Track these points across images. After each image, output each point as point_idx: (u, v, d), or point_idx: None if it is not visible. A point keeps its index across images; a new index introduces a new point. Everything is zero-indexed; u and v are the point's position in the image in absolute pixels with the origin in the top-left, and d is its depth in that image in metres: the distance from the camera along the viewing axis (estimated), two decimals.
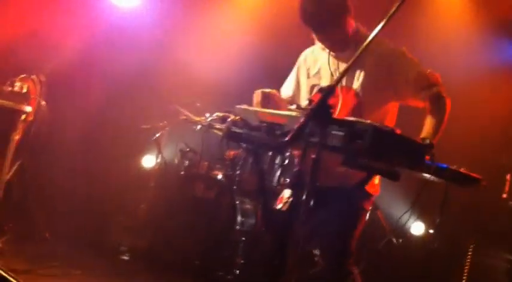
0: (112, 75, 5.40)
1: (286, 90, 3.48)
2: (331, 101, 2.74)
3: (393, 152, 2.63)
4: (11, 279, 2.71)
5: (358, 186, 2.88)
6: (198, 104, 4.87)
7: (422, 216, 4.81)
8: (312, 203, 2.77)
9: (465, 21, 5.18)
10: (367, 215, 3.11)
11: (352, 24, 3.09)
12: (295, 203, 2.82)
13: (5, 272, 2.63)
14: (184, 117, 4.07)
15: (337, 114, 3.00)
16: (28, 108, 3.69)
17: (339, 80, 2.56)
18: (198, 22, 5.55)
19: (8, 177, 3.70)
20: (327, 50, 3.20)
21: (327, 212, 2.89)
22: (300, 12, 3.01)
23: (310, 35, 3.18)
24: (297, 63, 3.42)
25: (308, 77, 3.31)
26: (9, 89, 3.67)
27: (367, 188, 2.95)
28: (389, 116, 3.11)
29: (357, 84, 3.04)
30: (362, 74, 3.02)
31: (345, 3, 3.03)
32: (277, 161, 3.56)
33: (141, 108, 5.41)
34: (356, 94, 3.04)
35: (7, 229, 3.93)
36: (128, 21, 5.55)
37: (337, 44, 3.09)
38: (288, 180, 3.61)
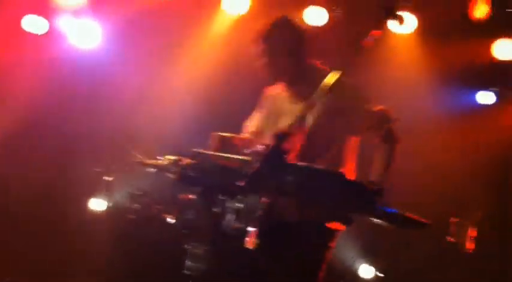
0: (65, 116, 5.36)
1: (250, 126, 3.51)
2: (287, 144, 2.80)
3: (344, 197, 2.68)
4: None
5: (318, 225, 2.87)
6: (151, 147, 4.85)
7: (371, 259, 4.87)
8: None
9: (417, 63, 5.40)
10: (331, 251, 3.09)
11: (309, 60, 3.17)
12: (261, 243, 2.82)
13: None
14: (138, 160, 4.04)
15: (293, 155, 3.03)
16: None
17: (294, 124, 2.62)
18: (155, 63, 5.59)
19: None
20: (285, 87, 3.26)
21: (291, 249, 2.90)
22: (261, 33, 3.06)
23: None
24: (262, 98, 3.47)
25: (269, 115, 3.35)
26: None
27: (331, 224, 2.95)
28: (349, 150, 3.14)
29: (313, 123, 3.09)
30: (317, 111, 3.07)
31: (303, 39, 3.12)
32: (231, 205, 3.56)
33: (93, 152, 5.35)
34: (311, 133, 3.09)
35: None
36: (86, 62, 5.55)
37: (293, 78, 3.15)
38: (242, 225, 3.60)
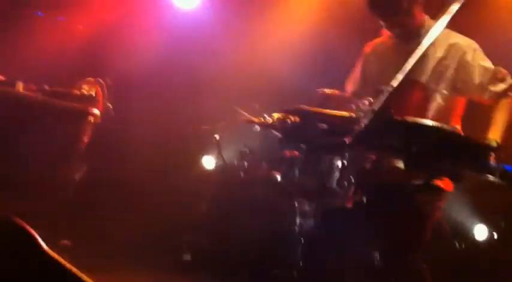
0: (172, 77, 5.54)
1: (352, 85, 3.47)
2: (397, 97, 2.74)
3: (456, 154, 2.60)
4: (77, 274, 2.82)
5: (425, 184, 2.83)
6: (257, 105, 4.92)
7: (485, 219, 4.68)
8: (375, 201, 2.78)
9: None
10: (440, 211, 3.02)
11: (421, 14, 3.07)
12: (360, 202, 2.83)
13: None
14: (244, 118, 4.12)
15: (403, 110, 2.97)
16: (96, 111, 3.84)
17: (398, 81, 2.56)
18: (253, 23, 5.59)
19: (77, 178, 3.86)
20: (393, 41, 3.18)
21: (392, 210, 2.88)
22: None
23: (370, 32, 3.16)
24: (362, 56, 3.40)
25: (374, 69, 3.29)
26: (78, 92, 3.83)
27: (439, 183, 2.87)
28: (456, 110, 3.08)
29: (424, 77, 3.02)
30: (430, 66, 3.00)
31: None
32: (336, 162, 3.56)
33: (201, 109, 5.51)
34: (422, 88, 3.02)
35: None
36: (188, 23, 5.68)
37: (405, 33, 3.08)
38: (346, 182, 3.60)
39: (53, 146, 3.77)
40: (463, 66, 2.97)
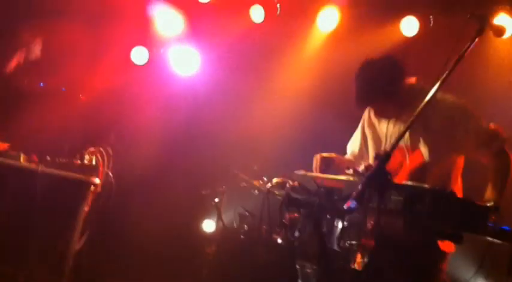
0: (172, 143, 5.63)
1: (353, 147, 3.55)
2: (394, 163, 2.80)
3: (454, 215, 2.63)
4: None
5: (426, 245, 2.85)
6: (255, 167, 4.99)
7: (488, 279, 4.64)
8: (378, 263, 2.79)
9: None
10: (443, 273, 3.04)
11: (405, 84, 3.15)
12: (368, 263, 2.84)
13: None
14: (244, 184, 4.18)
15: (401, 174, 3.03)
16: (97, 180, 3.89)
17: (394, 147, 2.63)
18: (251, 88, 5.74)
19: (78, 247, 3.87)
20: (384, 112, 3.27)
21: (395, 271, 2.88)
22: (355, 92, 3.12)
23: None
24: (363, 119, 3.49)
25: (373, 133, 3.37)
26: (79, 162, 3.89)
27: (441, 245, 2.90)
28: (454, 170, 3.11)
29: (420, 143, 3.08)
30: (425, 132, 3.06)
31: (395, 75, 3.10)
32: (337, 223, 3.59)
33: (200, 174, 5.57)
34: (420, 154, 3.07)
35: None
36: (187, 89, 5.83)
37: (393, 110, 3.15)
38: (347, 243, 3.62)
39: (55, 216, 3.80)
40: (456, 127, 3.00)
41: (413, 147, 3.11)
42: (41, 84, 4.57)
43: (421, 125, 3.03)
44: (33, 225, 3.78)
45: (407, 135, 3.03)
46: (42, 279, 3.77)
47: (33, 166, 3.74)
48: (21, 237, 3.79)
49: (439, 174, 3.01)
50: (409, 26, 5.47)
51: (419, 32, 5.44)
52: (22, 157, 3.71)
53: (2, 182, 3.68)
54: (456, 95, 3.13)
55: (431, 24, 5.43)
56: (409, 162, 3.08)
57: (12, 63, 3.81)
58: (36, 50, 3.86)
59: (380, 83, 3.08)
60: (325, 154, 3.46)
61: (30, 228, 3.77)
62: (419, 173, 2.99)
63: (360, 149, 3.43)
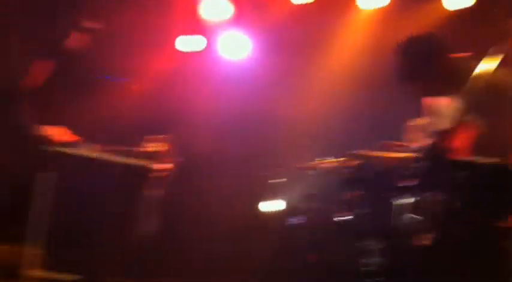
0: (228, 126, 5.75)
1: (410, 132, 3.56)
2: (456, 139, 2.80)
3: None
4: None
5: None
6: (312, 147, 5.06)
7: None
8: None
9: None
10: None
11: (452, 60, 3.13)
12: (433, 240, 2.86)
13: None
14: (304, 165, 4.25)
15: (464, 150, 3.02)
16: (161, 166, 4.02)
17: (453, 125, 2.63)
18: (304, 69, 5.78)
19: (150, 232, 4.02)
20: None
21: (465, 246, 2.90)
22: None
23: None
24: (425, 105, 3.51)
25: (432, 113, 3.38)
26: (142, 149, 4.03)
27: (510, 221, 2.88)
28: None
29: (478, 117, 3.07)
30: (481, 106, 3.05)
31: (441, 50, 3.08)
32: (401, 201, 3.61)
33: (259, 156, 5.67)
34: (481, 128, 3.06)
35: None
36: (241, 73, 5.90)
37: (442, 87, 3.14)
38: (413, 220, 3.64)
39: (123, 202, 3.96)
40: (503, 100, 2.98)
41: (473, 122, 3.09)
42: (107, 77, 4.72)
43: (475, 99, 3.03)
44: (104, 212, 3.95)
45: (464, 110, 3.01)
46: (113, 264, 3.92)
47: (98, 155, 3.89)
48: (93, 224, 3.96)
49: (502, 146, 2.98)
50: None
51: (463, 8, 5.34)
52: (87, 147, 3.87)
53: (73, 172, 3.85)
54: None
55: None
56: (470, 138, 3.08)
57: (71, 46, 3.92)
58: (95, 41, 3.98)
59: (427, 59, 3.08)
60: (387, 141, 3.49)
61: (101, 215, 3.93)
62: (482, 147, 2.98)
63: (417, 132, 3.45)
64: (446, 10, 5.40)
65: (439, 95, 3.25)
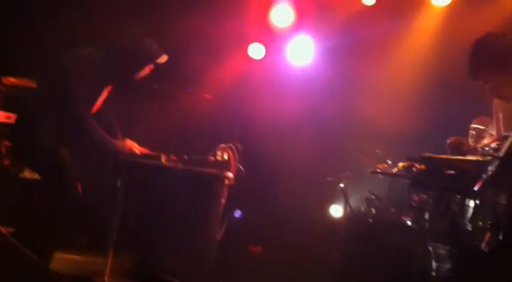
0: (294, 131, 5.83)
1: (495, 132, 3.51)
2: None
3: None
4: None
5: None
6: (378, 151, 5.05)
7: None
8: None
9: None
10: None
11: None
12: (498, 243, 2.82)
13: None
14: (371, 169, 4.27)
15: None
16: (230, 174, 4.16)
17: None
18: (370, 71, 5.77)
19: (218, 238, 4.17)
20: None
21: None
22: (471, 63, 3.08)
23: None
24: (494, 105, 3.46)
25: (504, 118, 3.33)
26: (213, 159, 4.19)
27: None
28: None
29: None
30: None
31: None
32: (468, 202, 3.56)
33: (325, 161, 5.72)
34: None
35: None
36: (306, 78, 5.98)
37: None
38: (480, 222, 3.59)
39: (196, 210, 4.12)
40: None
41: None
42: (170, 87, 4.92)
43: None
44: (177, 220, 4.12)
45: None
46: (187, 270, 4.07)
47: (173, 165, 4.07)
48: (167, 232, 4.14)
49: None
50: None
51: None
52: (163, 158, 4.06)
53: (148, 182, 4.05)
54: None
55: None
56: None
57: (145, 71, 4.16)
58: (163, 54, 4.18)
59: (501, 57, 3.02)
60: (455, 137, 3.47)
61: (175, 222, 4.11)
62: None
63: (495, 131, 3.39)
64: None
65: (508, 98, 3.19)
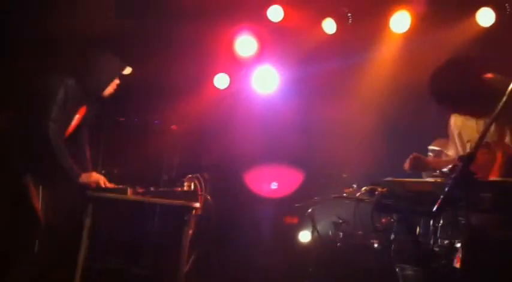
0: (260, 159, 5.89)
1: (452, 152, 3.61)
2: (484, 160, 2.82)
3: None
4: None
5: None
6: (345, 175, 5.14)
7: None
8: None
9: None
10: None
11: (485, 81, 3.17)
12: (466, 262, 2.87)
13: None
14: (335, 195, 4.34)
15: (493, 170, 3.04)
16: (197, 204, 4.18)
17: (478, 147, 2.67)
18: (334, 97, 5.89)
19: (186, 268, 4.16)
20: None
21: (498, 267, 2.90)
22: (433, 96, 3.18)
23: None
24: (451, 125, 3.56)
25: (460, 138, 3.43)
26: (179, 189, 4.21)
27: None
28: None
29: (508, 136, 3.09)
30: (501, 126, 3.08)
31: (474, 74, 3.13)
32: (432, 224, 3.64)
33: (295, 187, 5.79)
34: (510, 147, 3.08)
35: None
36: (270, 106, 6.07)
37: (479, 109, 3.17)
38: (446, 242, 3.67)
39: (163, 241, 4.12)
40: None
41: (502, 141, 3.11)
42: (135, 119, 4.95)
43: (506, 117, 3.05)
44: (145, 251, 4.12)
45: (494, 130, 3.05)
46: None
47: (140, 197, 4.07)
48: (134, 263, 4.13)
49: None
50: (485, 17, 5.41)
51: (495, 22, 5.37)
52: (129, 191, 4.07)
53: (116, 215, 4.05)
54: None
55: (507, 12, 5.35)
56: (500, 157, 3.09)
57: (112, 86, 4.16)
58: (126, 66, 4.21)
59: (461, 85, 3.12)
60: (421, 156, 3.55)
61: (142, 253, 4.11)
62: (510, 166, 2.99)
63: (448, 151, 3.49)
64: (477, 28, 5.43)
65: (473, 116, 3.29)
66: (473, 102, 3.14)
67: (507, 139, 3.12)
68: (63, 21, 4.99)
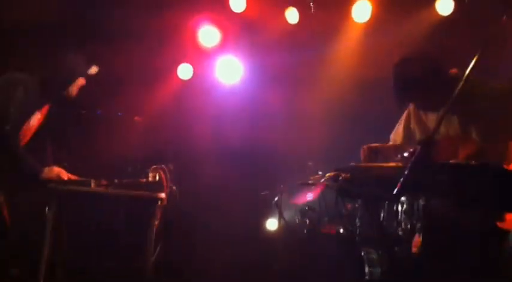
0: (226, 149, 5.89)
1: (396, 137, 3.68)
2: (447, 153, 2.89)
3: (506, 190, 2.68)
4: None
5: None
6: (310, 163, 5.18)
7: None
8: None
9: None
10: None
11: (447, 75, 3.23)
12: (425, 246, 2.94)
13: None
14: (301, 181, 4.38)
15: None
16: (162, 195, 4.17)
17: (435, 131, 2.72)
18: (297, 87, 5.92)
19: (153, 259, 4.15)
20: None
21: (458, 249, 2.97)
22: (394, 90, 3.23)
23: None
24: (407, 114, 3.61)
25: (420, 122, 3.49)
26: (144, 180, 4.19)
27: (499, 224, 2.93)
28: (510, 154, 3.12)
29: (471, 130, 3.16)
30: (472, 119, 3.15)
31: (434, 68, 3.18)
32: (395, 209, 3.71)
33: (257, 176, 5.80)
34: (472, 142, 3.15)
35: None
36: (234, 96, 6.07)
37: (439, 102, 3.22)
38: (408, 226, 3.73)
39: (129, 233, 4.10)
40: (501, 112, 3.08)
41: (465, 135, 3.18)
42: (98, 112, 4.90)
43: (467, 111, 3.11)
44: (110, 244, 4.09)
45: (457, 124, 3.12)
46: None
47: (103, 190, 4.03)
48: (102, 258, 4.09)
49: (493, 159, 3.04)
50: (444, 6, 5.51)
51: (454, 11, 5.47)
52: (93, 183, 4.02)
53: (78, 209, 4.01)
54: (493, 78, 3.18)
55: (466, 1, 5.45)
56: (462, 151, 3.15)
57: (77, 85, 4.10)
58: (92, 66, 4.15)
59: (420, 79, 3.17)
60: (372, 144, 3.60)
61: (108, 247, 4.07)
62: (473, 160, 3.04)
63: (403, 140, 3.56)
64: (437, 17, 5.51)
65: (434, 110, 3.35)
66: (432, 95, 3.21)
67: (473, 136, 3.20)
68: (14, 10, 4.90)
